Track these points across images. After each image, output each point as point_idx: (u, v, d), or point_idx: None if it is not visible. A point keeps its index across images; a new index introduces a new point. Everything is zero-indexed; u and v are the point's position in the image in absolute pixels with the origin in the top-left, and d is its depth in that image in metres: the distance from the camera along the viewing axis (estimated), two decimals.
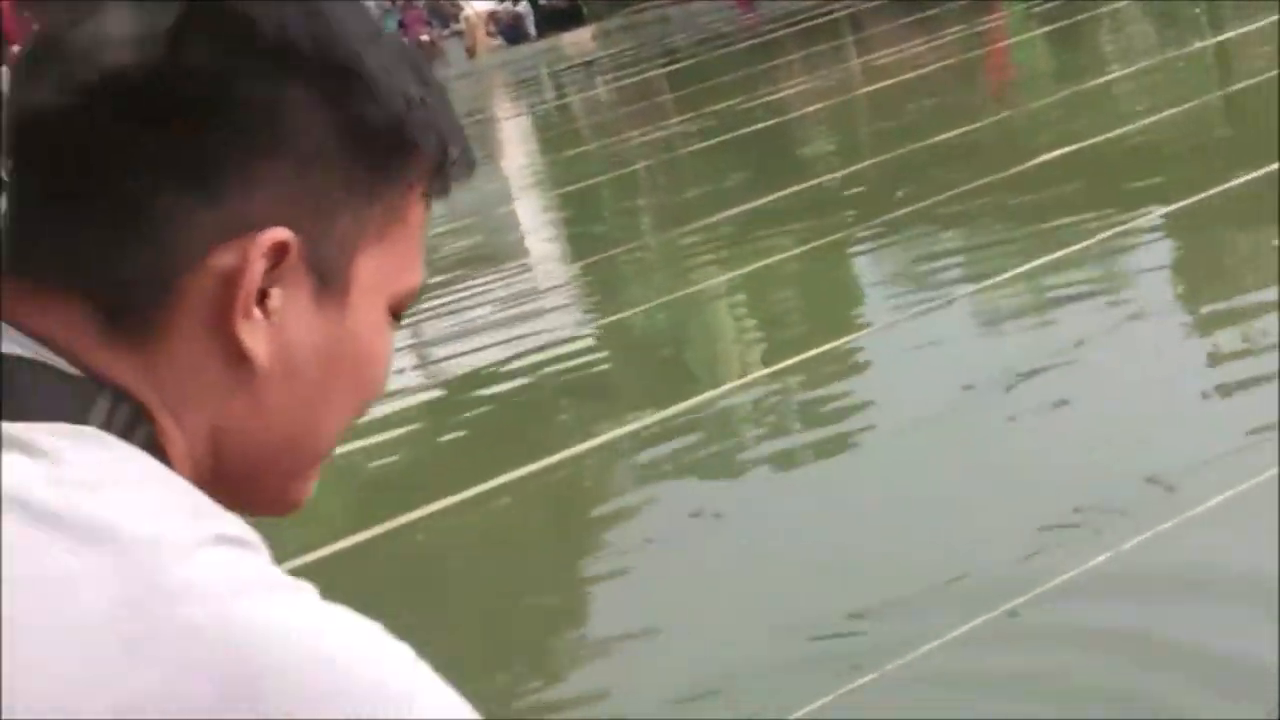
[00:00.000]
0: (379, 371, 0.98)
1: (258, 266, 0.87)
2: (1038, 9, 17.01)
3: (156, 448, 0.87)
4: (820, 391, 6.09)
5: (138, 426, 0.86)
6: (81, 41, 0.88)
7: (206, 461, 0.91)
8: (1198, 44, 12.63)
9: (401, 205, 0.95)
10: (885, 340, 6.51)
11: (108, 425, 0.84)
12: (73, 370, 0.86)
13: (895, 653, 3.69)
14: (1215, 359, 5.38)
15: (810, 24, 22.05)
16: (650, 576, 4.73)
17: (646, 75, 21.55)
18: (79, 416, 0.83)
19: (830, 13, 23.13)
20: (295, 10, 0.90)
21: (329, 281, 0.92)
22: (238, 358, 0.89)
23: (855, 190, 9.70)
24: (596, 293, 9.04)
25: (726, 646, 4.06)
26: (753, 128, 13.18)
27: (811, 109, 13.90)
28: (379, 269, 0.95)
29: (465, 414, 6.95)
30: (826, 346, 6.48)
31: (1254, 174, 7.13)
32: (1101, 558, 3.86)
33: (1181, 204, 7.04)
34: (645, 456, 5.82)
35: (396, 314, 0.98)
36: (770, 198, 9.72)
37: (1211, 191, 7.05)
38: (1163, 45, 13.17)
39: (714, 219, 9.62)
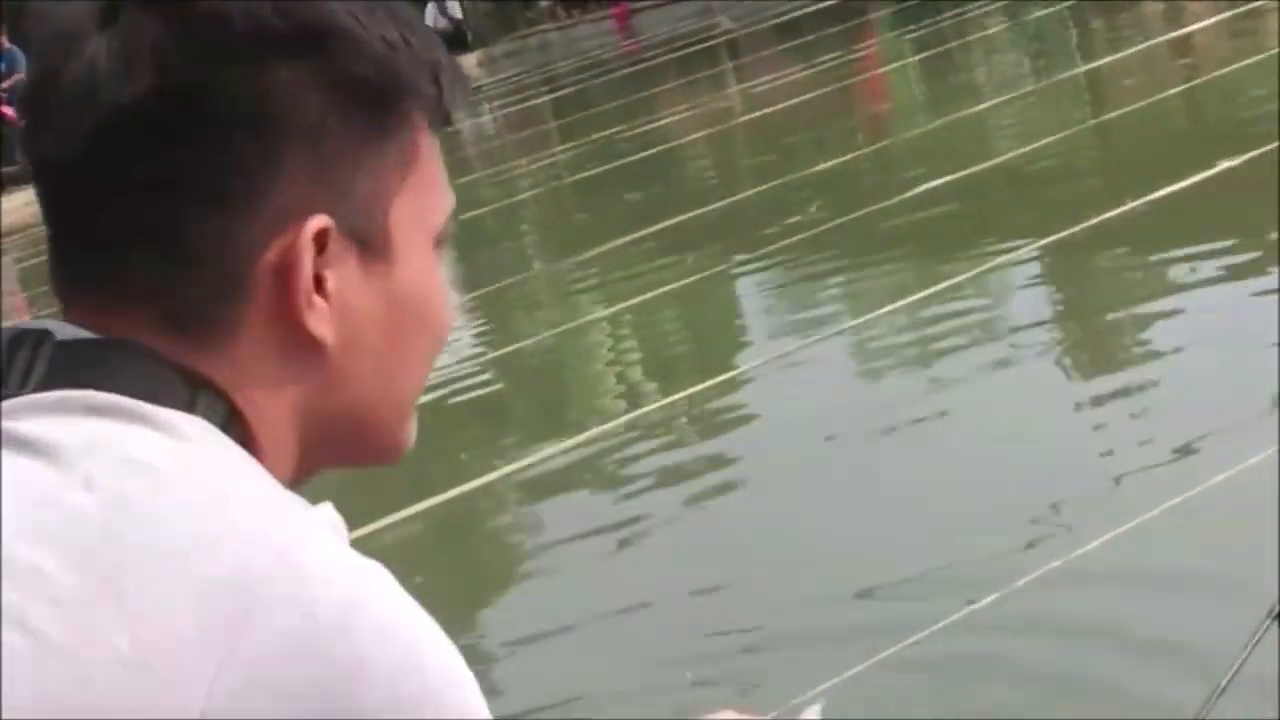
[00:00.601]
0: (440, 307, 0.99)
1: (307, 259, 0.89)
2: (910, 36, 17.25)
3: (245, 446, 0.89)
4: (708, 424, 6.15)
5: (230, 426, 0.88)
6: (76, 81, 0.88)
7: (294, 441, 0.93)
8: (1070, 71, 12.86)
9: (412, 147, 0.95)
10: (771, 371, 6.57)
11: (209, 419, 0.88)
12: (174, 362, 0.89)
13: (787, 691, 3.70)
14: (1098, 389, 5.48)
15: (688, 50, 22.15)
16: (540, 608, 4.78)
17: (531, 103, 21.57)
18: (188, 407, 0.87)
19: (708, 39, 23.31)
20: None
21: (370, 245, 0.92)
22: (308, 344, 0.91)
23: (737, 220, 9.79)
24: (486, 325, 9.04)
25: (605, 676, 4.15)
26: (636, 156, 13.25)
27: (693, 137, 14.00)
28: (411, 213, 0.95)
29: None
30: (713, 380, 6.55)
31: (1132, 204, 7.28)
32: (990, 598, 3.91)
33: (1061, 235, 7.16)
34: (537, 490, 5.84)
35: (440, 243, 0.99)
36: (655, 228, 9.78)
37: (1090, 221, 7.17)
38: (1036, 73, 13.39)
39: (600, 250, 9.68)
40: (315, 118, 0.89)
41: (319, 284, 0.90)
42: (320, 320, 0.90)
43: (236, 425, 0.89)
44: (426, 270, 0.96)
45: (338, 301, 0.91)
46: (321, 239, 0.89)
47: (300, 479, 0.96)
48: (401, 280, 0.94)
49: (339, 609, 0.78)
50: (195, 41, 0.86)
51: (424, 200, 0.96)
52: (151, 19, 0.87)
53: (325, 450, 0.96)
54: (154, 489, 0.80)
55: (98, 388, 0.85)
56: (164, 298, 0.89)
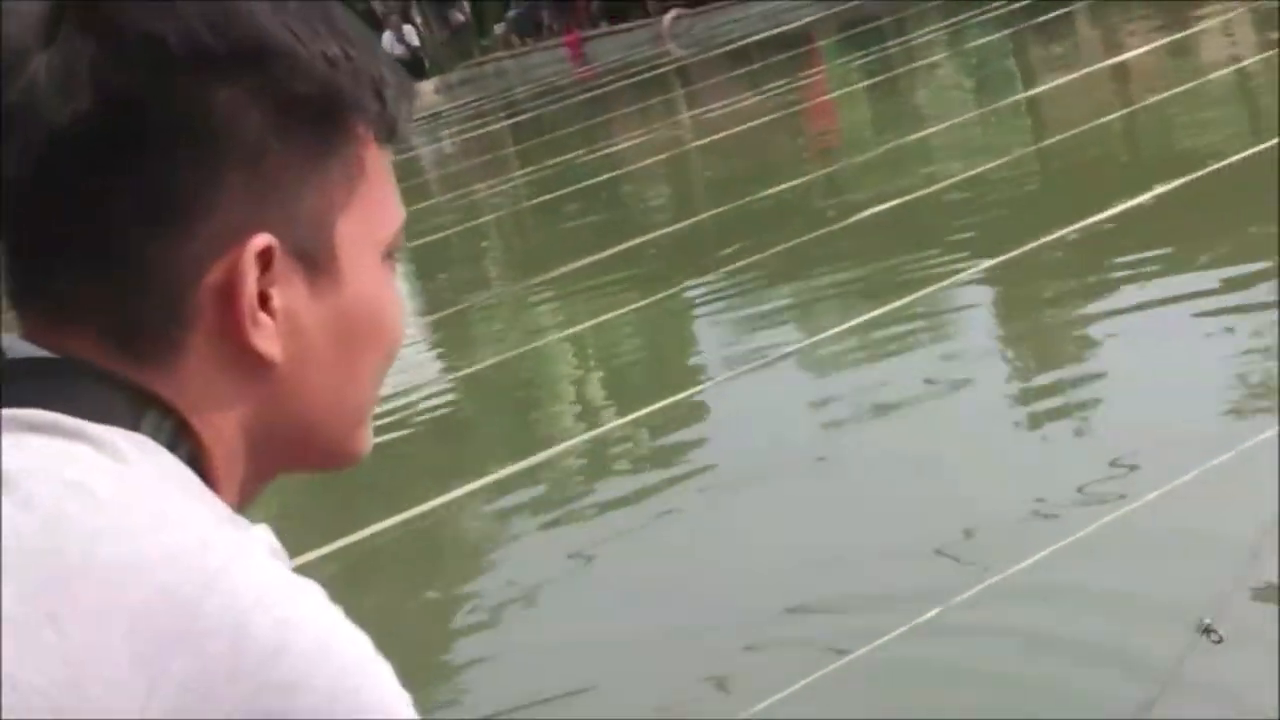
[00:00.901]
0: (392, 318, 0.98)
1: (250, 278, 0.88)
2: (856, 63, 17.42)
3: (196, 462, 0.90)
4: (667, 441, 6.30)
5: (180, 443, 0.89)
6: (18, 99, 0.87)
7: (246, 452, 0.94)
8: (1012, 97, 13.03)
9: (357, 162, 0.93)
10: (725, 389, 6.72)
11: (155, 437, 0.87)
12: (122, 380, 0.88)
13: (752, 699, 3.85)
14: (1038, 409, 5.64)
15: (641, 77, 22.26)
16: (506, 625, 4.88)
17: (489, 129, 21.62)
18: (133, 424, 0.87)
19: (659, 66, 23.44)
20: (190, 6, 0.87)
21: (317, 262, 0.91)
22: (255, 360, 0.90)
23: (691, 244, 9.95)
24: (447, 346, 9.16)
25: (575, 675, 4.30)
26: (592, 181, 13.37)
27: (647, 162, 14.10)
28: (358, 227, 0.94)
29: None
30: (671, 399, 6.68)
31: (1071, 227, 7.43)
32: (933, 612, 4.01)
33: (1006, 256, 7.32)
34: (501, 507, 5.96)
35: (391, 255, 0.98)
36: (611, 251, 9.94)
37: (1031, 245, 7.33)
38: (979, 98, 13.59)
39: (559, 272, 9.81)
40: (256, 136, 0.88)
41: (265, 301, 0.89)
42: (266, 337, 0.89)
43: (186, 441, 0.89)
44: (376, 284, 0.95)
45: (285, 318, 0.90)
46: (266, 257, 0.88)
47: (256, 487, 0.97)
48: (350, 295, 0.93)
49: (272, 631, 0.77)
50: (130, 61, 0.86)
51: (372, 215, 0.95)
52: (87, 38, 0.86)
53: (280, 458, 0.96)
54: (92, 510, 0.79)
55: (42, 406, 0.85)
56: (109, 315, 0.88)
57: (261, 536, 0.84)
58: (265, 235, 0.88)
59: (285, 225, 0.89)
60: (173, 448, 0.88)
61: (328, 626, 0.80)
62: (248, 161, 0.88)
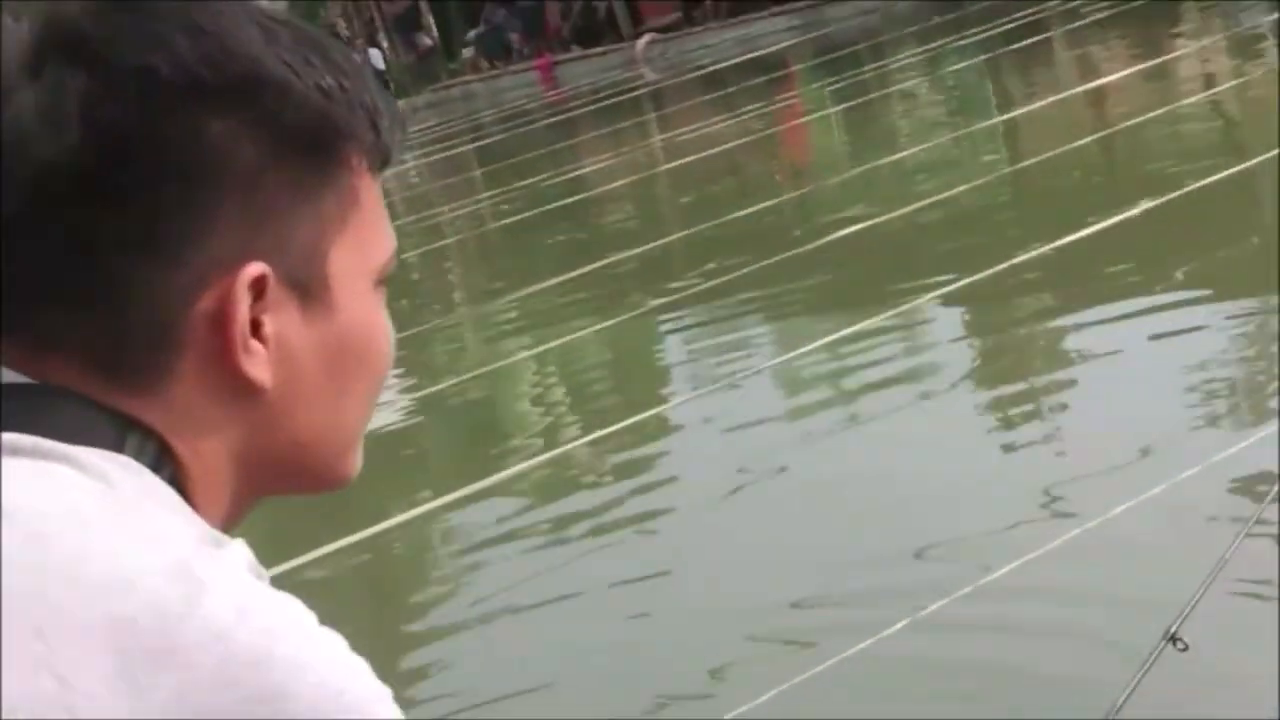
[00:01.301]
0: (382, 345, 0.98)
1: (243, 306, 0.88)
2: (831, 87, 17.48)
3: (178, 484, 0.89)
4: (628, 462, 6.25)
5: (163, 465, 0.89)
6: (6, 136, 0.87)
7: (232, 476, 0.94)
8: (985, 122, 13.07)
9: (350, 192, 0.94)
10: (690, 411, 6.70)
11: (138, 458, 0.87)
12: (104, 404, 0.88)
13: (727, 704, 3.83)
14: (1005, 429, 5.64)
15: (612, 100, 22.35)
16: (464, 647, 4.85)
17: (455, 151, 21.66)
18: (116, 446, 0.87)
19: (632, 89, 23.52)
20: (183, 39, 0.87)
21: (310, 290, 0.92)
22: (245, 387, 0.90)
23: (659, 265, 9.93)
24: (410, 366, 9.13)
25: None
26: (559, 203, 13.37)
27: (615, 185, 14.11)
28: (351, 256, 0.94)
29: None
30: (634, 419, 6.65)
31: (1040, 249, 7.45)
32: (903, 622, 4.00)
33: (975, 277, 7.32)
34: (460, 528, 5.92)
35: (382, 282, 0.98)
36: (577, 272, 9.92)
37: (1003, 265, 7.34)
38: (952, 124, 13.61)
39: (523, 293, 9.81)
40: (249, 167, 0.88)
41: (256, 328, 0.89)
42: (257, 364, 0.90)
43: (169, 464, 0.89)
44: (368, 311, 0.96)
45: (277, 344, 0.91)
46: (259, 285, 0.88)
47: (244, 508, 0.97)
48: (342, 322, 0.94)
49: (255, 643, 0.78)
50: (121, 94, 0.86)
51: (364, 243, 0.95)
52: (76, 71, 0.86)
53: (270, 481, 0.96)
54: (76, 530, 0.80)
55: (23, 431, 0.85)
56: (96, 341, 0.88)
57: (240, 552, 0.84)
58: (258, 264, 0.88)
59: (278, 254, 0.90)
60: (156, 469, 0.88)
61: (308, 634, 0.81)
62: (242, 192, 0.88)
